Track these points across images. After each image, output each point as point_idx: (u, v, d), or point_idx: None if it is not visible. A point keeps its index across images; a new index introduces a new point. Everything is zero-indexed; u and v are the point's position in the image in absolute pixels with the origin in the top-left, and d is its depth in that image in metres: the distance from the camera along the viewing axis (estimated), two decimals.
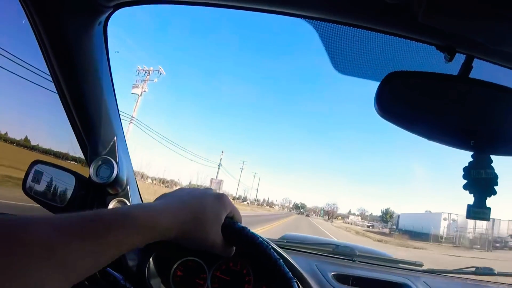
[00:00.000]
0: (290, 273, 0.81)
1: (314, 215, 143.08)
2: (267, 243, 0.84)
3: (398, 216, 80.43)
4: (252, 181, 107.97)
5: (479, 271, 2.41)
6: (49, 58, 1.21)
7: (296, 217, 79.86)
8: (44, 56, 1.23)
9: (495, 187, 0.88)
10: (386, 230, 75.00)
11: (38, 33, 1.15)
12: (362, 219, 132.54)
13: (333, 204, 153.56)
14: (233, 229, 0.82)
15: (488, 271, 2.46)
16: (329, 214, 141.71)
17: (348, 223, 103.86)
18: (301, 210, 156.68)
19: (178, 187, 0.90)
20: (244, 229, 0.83)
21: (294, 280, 0.80)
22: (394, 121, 0.87)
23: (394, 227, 77.28)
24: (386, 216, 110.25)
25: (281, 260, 0.81)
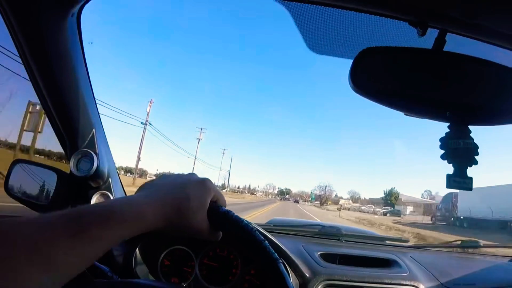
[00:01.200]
0: (276, 254, 0.81)
1: (301, 200, 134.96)
2: (252, 225, 0.84)
3: (452, 196, 40.06)
4: (221, 161, 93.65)
5: (465, 244, 2.45)
6: (22, 52, 1.19)
7: (281, 204, 67.56)
8: (18, 50, 1.21)
9: (475, 157, 0.89)
10: (421, 218, 47.95)
11: (10, 25, 1.12)
12: (353, 202, 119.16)
13: (326, 187, 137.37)
14: (218, 213, 0.81)
15: (474, 244, 2.50)
16: (322, 199, 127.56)
17: (347, 209, 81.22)
18: (287, 196, 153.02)
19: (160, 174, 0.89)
20: (228, 212, 0.82)
21: (280, 261, 0.80)
22: (370, 97, 0.87)
23: (438, 214, 44.36)
24: (391, 198, 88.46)
25: (266, 242, 0.81)
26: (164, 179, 0.84)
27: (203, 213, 0.79)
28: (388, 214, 61.80)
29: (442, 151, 0.89)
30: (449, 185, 0.89)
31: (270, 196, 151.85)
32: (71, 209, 0.60)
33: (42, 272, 0.51)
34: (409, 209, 66.41)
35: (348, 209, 78.31)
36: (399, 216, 55.65)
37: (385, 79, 0.90)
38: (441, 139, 0.90)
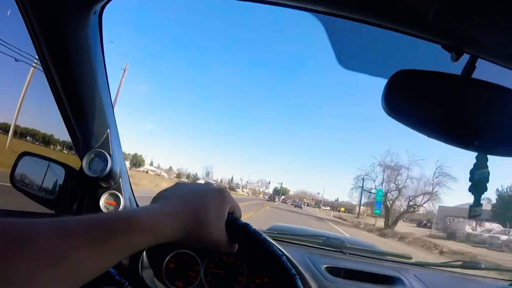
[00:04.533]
0: (293, 269, 0.81)
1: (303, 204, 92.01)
2: (270, 240, 0.84)
3: None
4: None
5: (466, 265, 2.44)
6: (41, 49, 1.18)
7: (271, 212, 33.81)
8: (36, 47, 1.19)
9: (486, 184, 0.91)
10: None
11: (29, 23, 1.11)
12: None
13: (318, 193, 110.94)
14: (237, 226, 0.81)
15: (475, 265, 2.50)
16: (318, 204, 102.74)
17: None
18: (282, 197, 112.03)
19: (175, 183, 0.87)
20: (247, 225, 0.82)
21: (297, 277, 0.80)
22: (400, 119, 0.87)
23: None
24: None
25: (284, 257, 0.81)
26: (180, 189, 0.83)
27: (222, 225, 0.78)
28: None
29: (470, 183, 0.90)
30: (470, 216, 0.92)
31: (261, 195, 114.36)
32: (92, 216, 0.60)
33: (61, 279, 0.51)
34: None
35: None
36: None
37: (416, 103, 0.89)
38: (471, 171, 0.90)
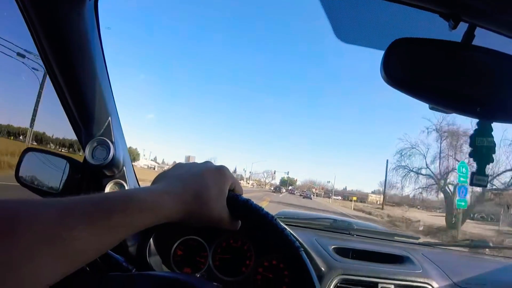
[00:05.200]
0: (297, 242, 0.80)
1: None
2: (272, 215, 0.84)
3: None
4: None
5: (475, 244, 2.44)
6: (37, 36, 1.17)
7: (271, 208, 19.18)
8: (32, 34, 1.18)
9: (493, 155, 0.90)
10: None
11: (24, 10, 1.09)
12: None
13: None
14: (238, 202, 0.81)
15: (484, 244, 2.49)
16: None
17: None
18: (290, 187, 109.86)
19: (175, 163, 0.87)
20: (248, 201, 0.82)
21: (301, 249, 0.80)
22: (400, 88, 0.86)
23: None
24: None
25: (288, 230, 0.81)
26: (179, 169, 0.83)
27: (223, 202, 0.78)
28: None
29: (471, 149, 0.89)
30: (471, 183, 0.90)
31: (267, 186, 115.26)
32: (91, 195, 0.60)
33: (59, 258, 0.51)
34: None
35: None
36: None
37: (417, 71, 0.88)
38: (471, 137, 0.90)
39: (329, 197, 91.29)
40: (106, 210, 0.58)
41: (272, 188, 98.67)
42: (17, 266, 0.46)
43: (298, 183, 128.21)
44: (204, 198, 0.74)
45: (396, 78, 0.86)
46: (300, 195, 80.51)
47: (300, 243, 1.46)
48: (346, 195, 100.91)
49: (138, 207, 0.63)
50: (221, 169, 0.82)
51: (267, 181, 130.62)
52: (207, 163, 0.85)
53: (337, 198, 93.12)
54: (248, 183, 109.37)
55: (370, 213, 38.78)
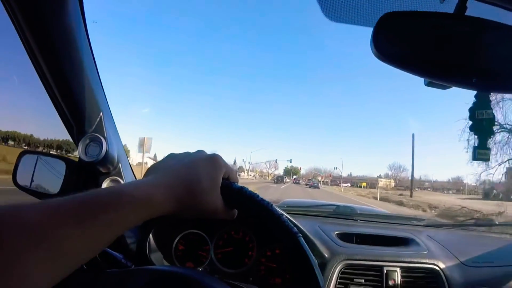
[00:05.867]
0: (295, 228, 0.78)
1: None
2: (268, 201, 0.81)
3: None
4: None
5: (481, 223, 2.45)
6: (23, 32, 1.15)
7: None
8: (18, 31, 1.16)
9: (493, 127, 0.89)
10: None
11: (8, 5, 1.07)
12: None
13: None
14: (232, 191, 0.79)
15: (489, 222, 2.49)
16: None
17: None
18: (294, 177, 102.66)
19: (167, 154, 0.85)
20: (242, 188, 0.80)
21: (300, 235, 0.78)
22: (393, 63, 0.84)
23: None
24: None
25: (284, 216, 0.78)
26: (171, 160, 0.81)
27: (217, 192, 0.76)
28: None
29: (471, 122, 0.88)
30: (475, 158, 0.89)
31: (270, 177, 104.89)
32: (79, 194, 0.58)
33: (48, 260, 0.49)
34: None
35: None
36: None
37: (409, 44, 0.87)
38: (470, 109, 0.89)
39: (337, 185, 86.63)
40: (95, 207, 0.56)
41: (273, 179, 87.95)
42: (4, 270, 0.44)
43: (302, 172, 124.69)
44: (197, 188, 0.72)
45: (387, 53, 0.84)
46: (306, 185, 71.84)
47: (301, 231, 1.45)
48: (355, 182, 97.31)
49: (128, 203, 0.61)
50: (214, 158, 0.79)
51: (269, 171, 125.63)
52: (199, 152, 0.82)
53: (346, 185, 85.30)
54: (250, 175, 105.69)
55: (402, 203, 30.88)
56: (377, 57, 0.83)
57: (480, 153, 0.88)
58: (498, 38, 0.86)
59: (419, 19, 0.86)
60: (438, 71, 0.86)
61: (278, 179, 79.78)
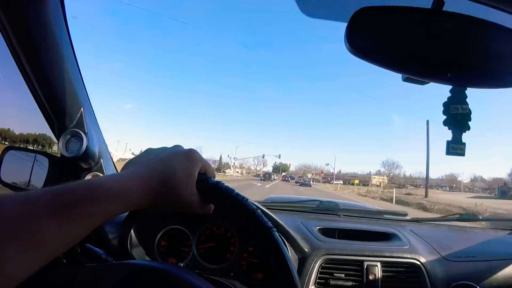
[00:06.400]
0: (270, 222, 0.78)
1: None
2: (243, 196, 0.81)
3: None
4: None
5: (464, 217, 2.45)
6: (3, 28, 1.14)
7: None
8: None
9: (469, 122, 0.89)
10: None
11: None
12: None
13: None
14: (208, 185, 0.79)
15: (473, 217, 2.51)
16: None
17: None
18: (283, 173, 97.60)
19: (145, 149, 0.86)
20: (218, 183, 0.80)
21: (274, 230, 0.78)
22: (368, 59, 0.85)
23: None
24: None
25: (259, 211, 0.78)
26: (148, 154, 0.82)
27: (192, 186, 0.76)
28: None
29: (444, 117, 0.89)
30: (448, 152, 0.90)
31: (250, 174, 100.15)
32: (56, 186, 0.58)
33: (24, 251, 0.49)
34: None
35: None
36: None
37: (384, 40, 0.86)
38: (444, 104, 0.89)
39: (328, 182, 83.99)
40: (70, 199, 0.57)
41: (261, 176, 79.19)
42: None
43: (291, 168, 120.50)
44: (172, 182, 0.73)
45: (361, 48, 0.84)
46: (297, 182, 66.98)
47: (281, 226, 1.45)
48: (346, 179, 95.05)
49: (103, 195, 0.61)
50: (190, 152, 0.80)
51: (258, 168, 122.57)
52: (176, 146, 0.83)
53: (338, 182, 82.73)
54: (237, 172, 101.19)
55: (424, 207, 26.03)
56: (351, 53, 0.83)
57: (454, 147, 0.88)
58: (474, 33, 0.86)
59: (395, 13, 0.86)
60: (413, 66, 0.87)
61: (266, 176, 72.13)
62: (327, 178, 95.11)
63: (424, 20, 0.86)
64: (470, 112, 0.89)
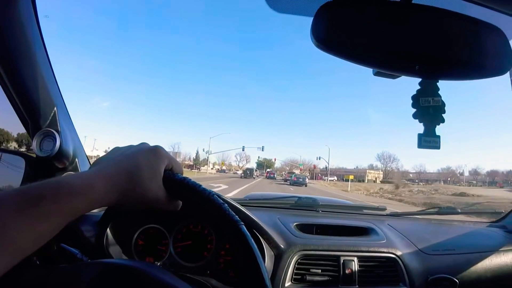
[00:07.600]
0: (237, 216, 0.78)
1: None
2: (210, 190, 0.81)
3: None
4: None
5: (443, 211, 2.47)
6: None
7: None
8: None
9: (443, 115, 0.90)
10: None
11: None
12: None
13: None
14: (174, 181, 0.79)
15: (452, 211, 2.53)
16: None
17: None
18: (268, 170, 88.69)
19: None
20: (185, 179, 0.80)
21: (242, 224, 0.78)
22: (335, 53, 0.85)
23: None
24: None
25: (226, 205, 0.78)
26: (115, 152, 0.82)
27: (158, 182, 0.77)
28: None
29: (414, 110, 0.90)
30: (420, 145, 0.91)
31: (241, 171, 79.50)
32: (24, 185, 0.59)
33: None
34: None
35: None
36: None
37: (352, 33, 0.86)
38: (413, 97, 0.90)
39: (322, 179, 79.57)
40: (35, 197, 0.57)
41: (240, 173, 72.60)
42: None
43: (277, 164, 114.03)
44: (137, 178, 0.73)
45: (328, 42, 0.84)
46: (286, 180, 54.66)
47: (257, 224, 1.46)
48: (340, 174, 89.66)
49: (68, 192, 0.61)
50: (156, 149, 0.80)
51: (240, 164, 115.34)
52: (142, 144, 0.84)
53: (333, 178, 79.32)
54: (211, 169, 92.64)
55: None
56: (316, 46, 0.83)
57: (427, 140, 0.89)
58: (443, 25, 0.88)
59: (363, 6, 0.87)
60: (380, 59, 0.88)
61: (246, 173, 63.06)
62: (318, 174, 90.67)
63: (393, 13, 0.86)
64: (443, 104, 0.90)
